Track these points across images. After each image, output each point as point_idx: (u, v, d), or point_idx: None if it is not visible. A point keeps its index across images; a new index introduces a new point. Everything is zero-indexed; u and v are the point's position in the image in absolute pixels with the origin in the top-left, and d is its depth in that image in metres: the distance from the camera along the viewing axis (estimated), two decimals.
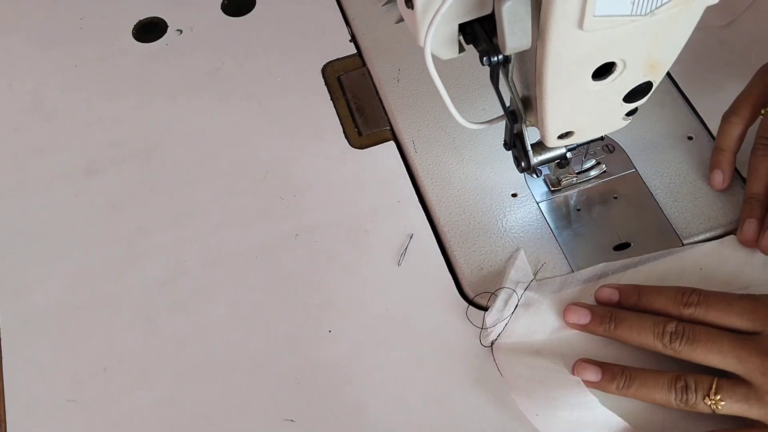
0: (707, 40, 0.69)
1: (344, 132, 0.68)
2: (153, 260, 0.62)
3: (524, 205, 0.62)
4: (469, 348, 0.55)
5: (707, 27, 0.69)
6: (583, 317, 0.54)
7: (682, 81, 0.67)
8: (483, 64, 0.47)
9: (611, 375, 0.51)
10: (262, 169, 0.66)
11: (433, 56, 0.47)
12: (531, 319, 0.55)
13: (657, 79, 0.49)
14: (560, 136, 0.52)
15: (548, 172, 0.62)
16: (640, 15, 0.42)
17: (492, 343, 0.55)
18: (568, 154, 0.56)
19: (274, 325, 0.58)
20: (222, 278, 0.61)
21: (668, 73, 0.67)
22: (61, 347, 0.58)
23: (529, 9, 0.43)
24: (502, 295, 0.56)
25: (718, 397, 0.48)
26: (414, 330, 0.57)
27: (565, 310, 0.54)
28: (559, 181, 0.62)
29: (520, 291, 0.56)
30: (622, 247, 0.59)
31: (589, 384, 0.51)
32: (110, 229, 0.64)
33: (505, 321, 0.55)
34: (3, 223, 0.65)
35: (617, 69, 0.47)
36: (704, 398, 0.48)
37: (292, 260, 0.61)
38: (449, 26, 0.46)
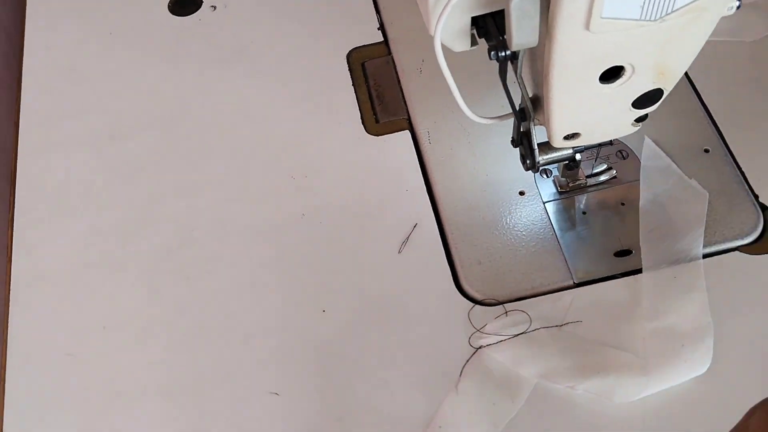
0: (737, 54, 0.68)
1: (362, 118, 0.68)
2: (163, 227, 0.64)
3: (531, 203, 0.62)
4: (458, 342, 0.56)
5: (738, 41, 0.68)
6: None
7: (706, 93, 0.66)
8: (491, 59, 0.47)
9: None
10: (278, 148, 0.67)
11: (451, 49, 0.47)
12: (528, 352, 0.55)
13: (668, 86, 0.49)
14: (566, 137, 0.52)
15: (558, 173, 0.62)
16: (650, 20, 0.42)
17: (479, 348, 0.55)
18: (577, 156, 0.56)
19: (270, 300, 0.59)
20: (226, 250, 0.62)
21: (692, 84, 0.66)
22: (66, 302, 0.60)
23: (538, 6, 0.43)
24: (517, 317, 0.56)
25: None
26: (406, 317, 0.57)
27: None
28: (567, 183, 0.61)
29: (537, 324, 0.56)
30: (623, 253, 0.59)
31: None
32: (126, 192, 0.66)
33: (503, 338, 0.55)
34: (27, 181, 0.68)
35: (626, 73, 0.46)
36: None
37: (296, 239, 0.62)
38: (462, 18, 0.47)
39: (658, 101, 0.50)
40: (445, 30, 0.46)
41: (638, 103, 0.50)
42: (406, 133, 0.67)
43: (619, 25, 0.42)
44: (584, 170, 0.61)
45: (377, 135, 0.67)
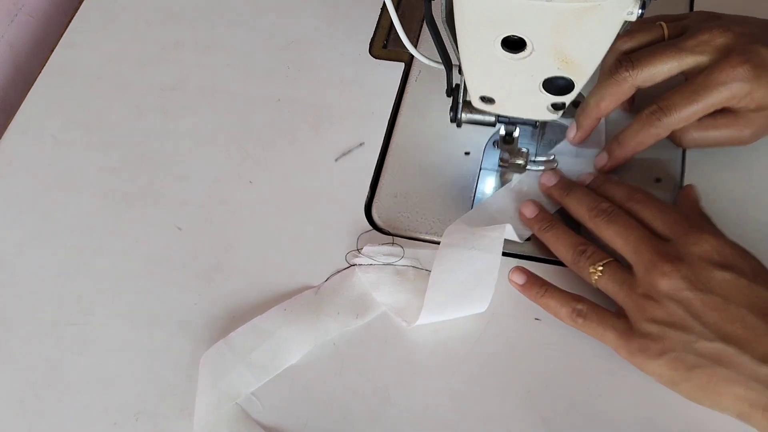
0: None
1: (372, 39, 0.72)
2: None
3: (469, 164, 0.64)
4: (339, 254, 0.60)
5: None
6: (551, 179, 0.60)
7: None
8: None
9: (537, 220, 0.58)
10: (284, 39, 0.73)
11: None
12: (388, 281, 0.58)
13: (577, 79, 0.49)
14: (483, 99, 0.54)
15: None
16: None
17: (349, 266, 0.59)
18: (502, 130, 0.58)
19: (214, 153, 0.67)
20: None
21: None
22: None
23: None
24: (395, 249, 0.59)
25: (600, 268, 0.53)
26: (309, 212, 0.63)
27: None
28: (508, 160, 0.63)
29: (409, 262, 0.59)
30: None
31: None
32: None
33: (373, 263, 0.59)
34: None
35: (527, 48, 0.47)
36: (590, 266, 0.53)
37: (259, 116, 0.68)
38: None
39: (569, 92, 0.50)
40: None
41: (549, 87, 0.50)
42: (401, 66, 0.70)
43: None
44: (523, 150, 0.62)
45: (377, 58, 0.71)
